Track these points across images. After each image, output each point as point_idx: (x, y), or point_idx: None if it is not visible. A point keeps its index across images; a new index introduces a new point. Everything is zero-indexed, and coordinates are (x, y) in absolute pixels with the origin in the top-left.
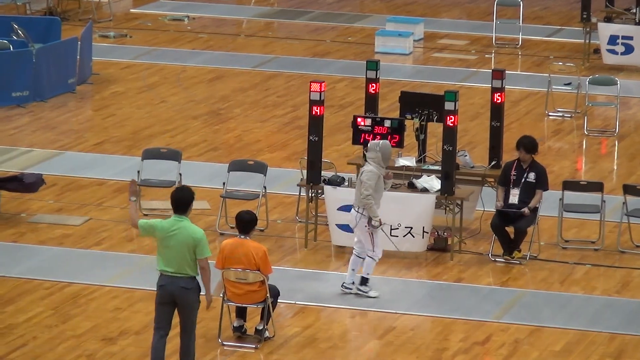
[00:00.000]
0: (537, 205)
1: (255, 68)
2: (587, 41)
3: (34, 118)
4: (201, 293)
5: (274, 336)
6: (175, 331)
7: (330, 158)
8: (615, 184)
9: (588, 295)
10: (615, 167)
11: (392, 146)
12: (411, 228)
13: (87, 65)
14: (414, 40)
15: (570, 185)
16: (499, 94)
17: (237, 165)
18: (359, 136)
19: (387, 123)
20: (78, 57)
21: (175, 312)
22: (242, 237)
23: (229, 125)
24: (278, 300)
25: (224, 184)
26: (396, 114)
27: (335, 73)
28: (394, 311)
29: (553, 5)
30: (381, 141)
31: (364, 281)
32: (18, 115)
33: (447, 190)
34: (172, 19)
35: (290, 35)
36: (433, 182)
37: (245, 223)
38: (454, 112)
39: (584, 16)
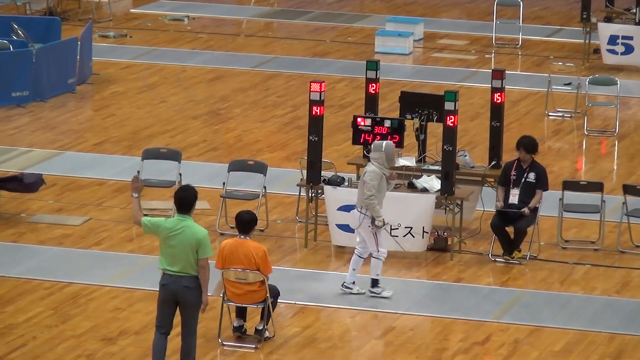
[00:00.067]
0: (537, 205)
1: (255, 68)
2: (587, 41)
3: (33, 118)
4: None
5: (273, 336)
6: (175, 331)
7: (330, 158)
8: (615, 184)
9: (588, 295)
10: (615, 167)
11: None
12: (411, 228)
13: (87, 65)
14: (414, 40)
15: (570, 185)
16: (499, 94)
17: (237, 165)
18: (359, 136)
19: (387, 123)
20: (78, 57)
21: (177, 311)
22: (242, 237)
23: (229, 125)
24: (278, 300)
25: (224, 184)
26: (396, 114)
27: (335, 73)
28: (394, 311)
29: (553, 5)
30: (385, 142)
31: (375, 283)
32: (18, 115)
33: (447, 190)
34: (172, 19)
35: (290, 35)
36: (433, 182)
37: (245, 223)
38: (454, 112)
39: (584, 16)
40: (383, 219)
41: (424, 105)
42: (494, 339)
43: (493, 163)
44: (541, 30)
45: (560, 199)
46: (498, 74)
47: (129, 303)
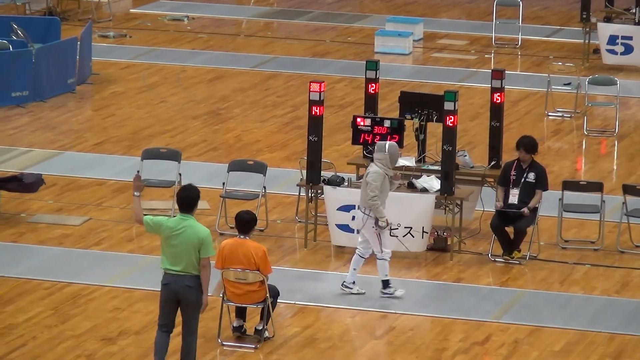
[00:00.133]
0: (537, 205)
1: (255, 68)
2: (587, 41)
3: (33, 118)
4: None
5: (273, 336)
6: (176, 330)
7: (330, 158)
8: (615, 184)
9: (588, 295)
10: (614, 167)
11: None
12: (411, 228)
13: (86, 65)
14: (414, 40)
15: (570, 185)
16: (499, 94)
17: (237, 165)
18: (358, 136)
19: (387, 123)
20: (78, 57)
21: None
22: (242, 237)
23: (229, 125)
24: (278, 300)
25: (223, 184)
26: (396, 114)
27: (334, 73)
28: (394, 311)
29: (553, 5)
30: (388, 142)
31: (386, 284)
32: (18, 115)
33: (446, 190)
34: (172, 19)
35: (290, 35)
36: (433, 182)
37: (245, 223)
38: (454, 112)
39: (584, 16)
40: (386, 220)
41: (423, 105)
42: (494, 339)
43: (493, 163)
44: (541, 30)
45: (560, 199)
46: (498, 74)
47: (129, 303)
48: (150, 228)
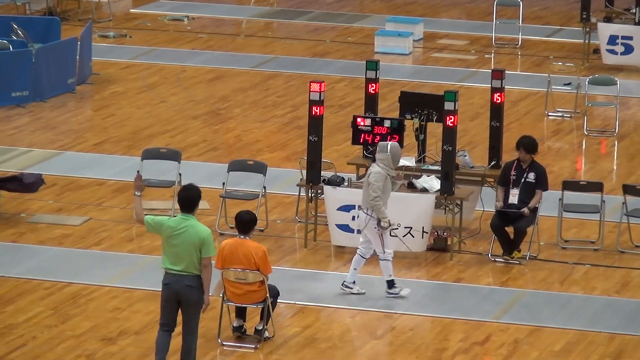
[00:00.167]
0: (537, 205)
1: (255, 68)
2: (587, 41)
3: (33, 118)
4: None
5: (273, 336)
6: (176, 330)
7: (330, 158)
8: (615, 184)
9: (588, 295)
10: (614, 167)
11: None
12: (411, 228)
13: (86, 65)
14: (414, 40)
15: (570, 185)
16: (499, 94)
17: (237, 165)
18: (358, 136)
19: (387, 123)
20: (78, 57)
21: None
22: (242, 237)
23: (229, 125)
24: (278, 300)
25: (223, 184)
26: (396, 114)
27: (334, 73)
28: (394, 311)
29: (553, 5)
30: (390, 143)
31: (391, 284)
32: (18, 115)
33: (446, 190)
34: (172, 19)
35: (290, 35)
36: (433, 182)
37: (245, 223)
38: (454, 112)
39: (584, 16)
40: (389, 220)
41: (423, 105)
42: (494, 339)
43: (493, 163)
44: (541, 30)
45: (560, 199)
46: (498, 74)
47: (129, 303)
48: (152, 228)
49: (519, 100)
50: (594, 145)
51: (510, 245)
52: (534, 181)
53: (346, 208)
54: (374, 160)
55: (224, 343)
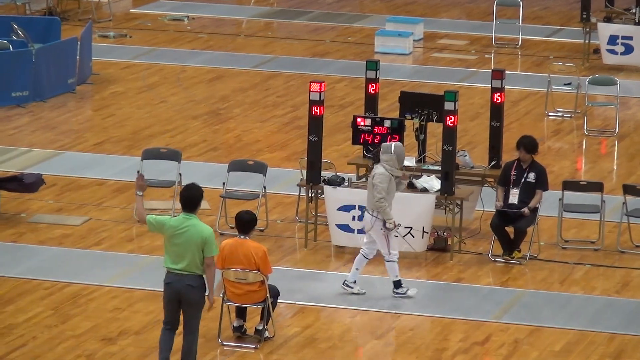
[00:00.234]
0: (537, 205)
1: (255, 68)
2: (587, 41)
3: (33, 118)
4: (206, 293)
5: (273, 336)
6: (179, 329)
7: (330, 158)
8: (615, 184)
9: (588, 295)
10: (615, 167)
11: None
12: (411, 228)
13: (86, 65)
14: (414, 40)
15: (570, 185)
16: (499, 94)
17: (237, 165)
18: (358, 136)
19: (387, 123)
20: (78, 57)
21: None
22: (242, 237)
23: (229, 125)
24: (278, 300)
25: (223, 184)
26: (396, 114)
27: (335, 73)
28: (394, 311)
29: (553, 5)
30: (394, 143)
31: (397, 284)
32: (18, 115)
33: (447, 190)
34: (172, 19)
35: (290, 35)
36: (433, 182)
37: (245, 223)
38: (454, 112)
39: (584, 16)
40: (394, 221)
41: (423, 105)
42: (494, 339)
43: (493, 163)
44: (541, 30)
45: (560, 199)
46: (498, 74)
47: (129, 303)
48: (153, 227)
49: (519, 100)
50: (594, 145)
51: (510, 245)
52: (534, 181)
53: (346, 208)
54: (377, 161)
55: (224, 343)
